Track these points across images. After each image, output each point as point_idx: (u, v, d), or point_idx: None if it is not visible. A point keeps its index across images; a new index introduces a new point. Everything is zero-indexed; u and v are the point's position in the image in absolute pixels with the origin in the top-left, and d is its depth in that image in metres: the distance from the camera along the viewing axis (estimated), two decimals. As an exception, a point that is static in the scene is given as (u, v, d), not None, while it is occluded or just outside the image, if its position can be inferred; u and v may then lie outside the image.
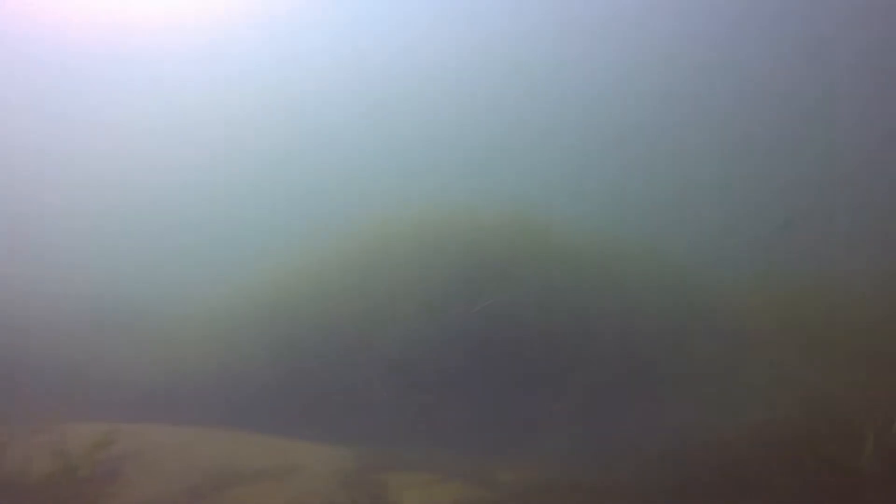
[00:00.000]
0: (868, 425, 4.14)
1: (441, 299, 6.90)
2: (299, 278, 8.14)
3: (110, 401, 6.61)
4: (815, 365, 5.57)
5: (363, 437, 5.75)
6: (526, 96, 17.60)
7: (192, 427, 6.19)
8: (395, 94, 18.69)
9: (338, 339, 7.01)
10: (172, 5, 18.09)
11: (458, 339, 6.41)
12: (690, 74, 15.20)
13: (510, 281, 6.97)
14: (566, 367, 6.12)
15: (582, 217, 9.23)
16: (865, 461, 3.99)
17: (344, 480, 4.93)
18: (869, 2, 14.42)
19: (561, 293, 6.95)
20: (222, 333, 7.71)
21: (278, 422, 6.15)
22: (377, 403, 6.19)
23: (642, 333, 6.37)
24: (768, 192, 11.23)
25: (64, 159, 16.23)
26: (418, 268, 7.45)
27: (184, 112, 18.04)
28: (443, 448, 5.36)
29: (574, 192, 12.02)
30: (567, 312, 6.78)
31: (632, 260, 7.59)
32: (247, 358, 7.19)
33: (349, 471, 5.11)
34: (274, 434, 5.99)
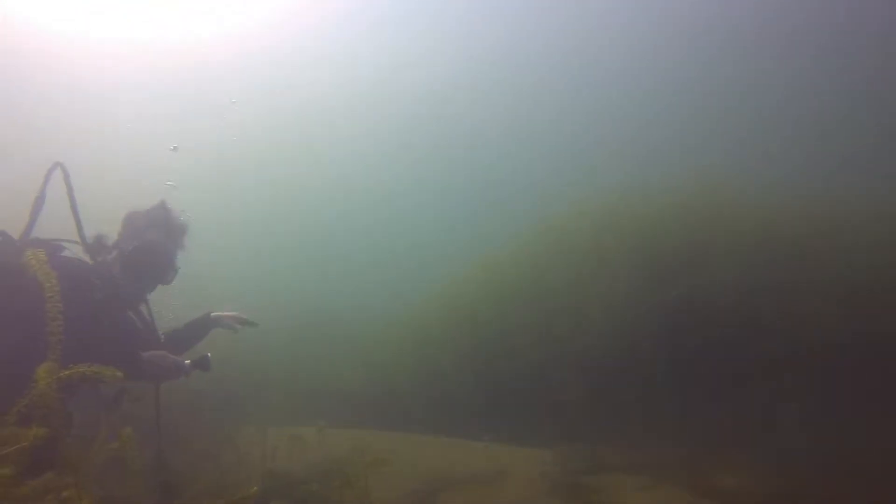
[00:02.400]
0: None
1: (633, 291, 6.62)
2: (493, 282, 8.26)
3: (330, 408, 7.22)
4: None
5: (567, 440, 5.67)
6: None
7: (403, 433, 6.57)
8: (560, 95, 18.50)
9: (537, 339, 7.00)
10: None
11: (657, 333, 6.09)
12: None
13: (702, 269, 6.49)
14: (787, 359, 5.52)
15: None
16: None
17: (553, 484, 4.89)
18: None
19: (762, 278, 6.29)
20: (423, 341, 8.05)
21: (481, 426, 6.30)
22: (579, 404, 6.08)
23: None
24: None
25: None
26: (605, 262, 7.22)
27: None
28: (653, 450, 5.11)
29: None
30: (774, 299, 6.13)
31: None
32: (447, 364, 7.46)
33: (556, 474, 5.06)
34: (478, 439, 6.14)
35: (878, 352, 5.36)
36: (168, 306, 4.03)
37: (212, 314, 4.31)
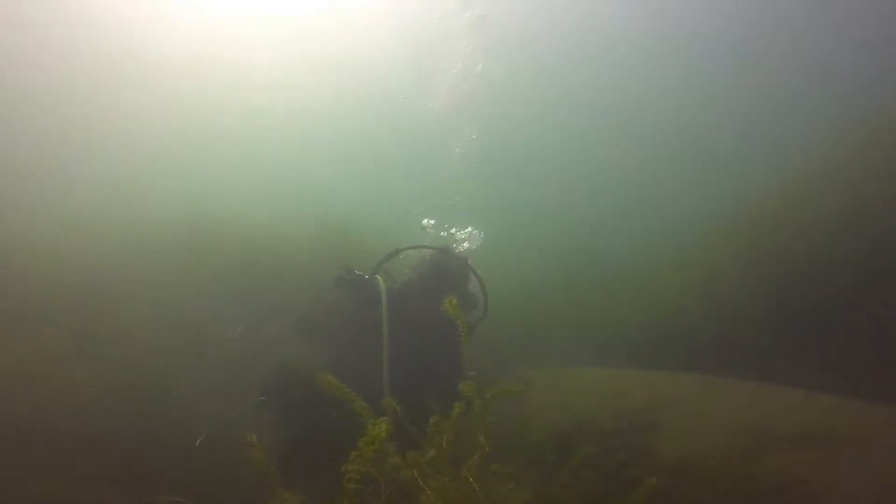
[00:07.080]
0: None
1: None
2: (795, 207, 7.15)
3: (615, 349, 6.98)
4: None
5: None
6: None
7: (696, 374, 6.05)
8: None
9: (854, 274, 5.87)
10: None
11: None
12: None
13: None
14: None
15: None
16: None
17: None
18: None
19: None
20: (714, 275, 7.29)
21: (800, 375, 5.49)
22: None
23: None
24: None
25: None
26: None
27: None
28: None
29: None
30: None
31: None
32: (742, 300, 6.69)
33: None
34: (800, 389, 5.35)
35: None
36: None
37: None
